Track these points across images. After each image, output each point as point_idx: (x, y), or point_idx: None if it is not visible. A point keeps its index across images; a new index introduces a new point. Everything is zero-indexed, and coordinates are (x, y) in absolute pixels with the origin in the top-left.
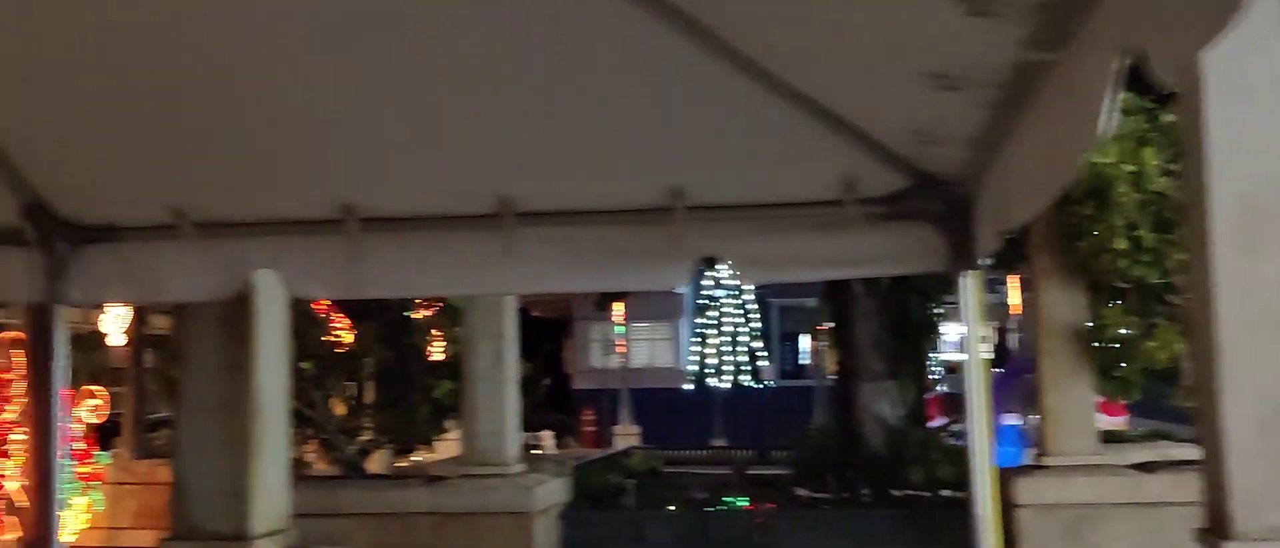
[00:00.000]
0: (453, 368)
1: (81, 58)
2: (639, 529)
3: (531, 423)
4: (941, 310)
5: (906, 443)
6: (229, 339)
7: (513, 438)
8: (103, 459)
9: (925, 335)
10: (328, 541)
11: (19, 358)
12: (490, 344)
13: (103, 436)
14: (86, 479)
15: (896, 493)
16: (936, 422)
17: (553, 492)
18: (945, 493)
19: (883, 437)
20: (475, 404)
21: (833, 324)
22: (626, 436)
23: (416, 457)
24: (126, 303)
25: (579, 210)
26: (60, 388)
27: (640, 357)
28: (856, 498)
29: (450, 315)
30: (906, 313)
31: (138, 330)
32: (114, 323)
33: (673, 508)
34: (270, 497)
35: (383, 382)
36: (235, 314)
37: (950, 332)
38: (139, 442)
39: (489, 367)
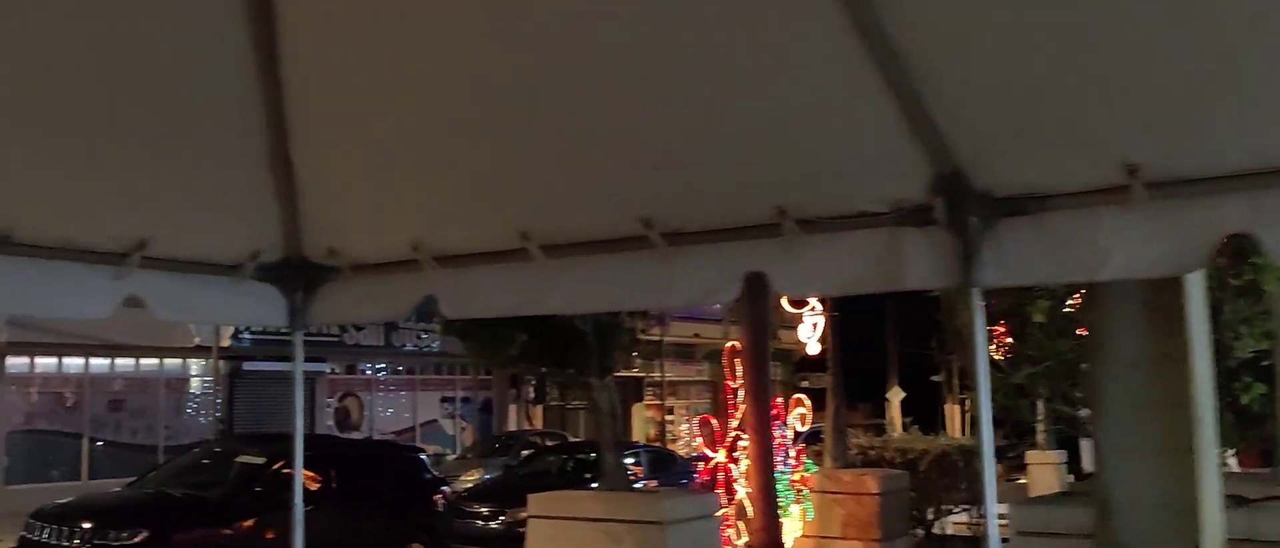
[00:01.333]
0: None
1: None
2: None
3: None
4: None
5: None
6: (1156, 325)
7: None
8: (810, 468)
9: None
10: None
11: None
12: None
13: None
14: (798, 487)
15: None
16: None
17: None
18: None
19: None
20: None
21: None
22: None
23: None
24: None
25: None
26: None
27: None
28: None
29: (1257, 299)
30: None
31: (833, 341)
32: (811, 333)
33: None
34: (1212, 515)
35: None
36: (1164, 295)
37: None
38: (839, 450)
39: None
